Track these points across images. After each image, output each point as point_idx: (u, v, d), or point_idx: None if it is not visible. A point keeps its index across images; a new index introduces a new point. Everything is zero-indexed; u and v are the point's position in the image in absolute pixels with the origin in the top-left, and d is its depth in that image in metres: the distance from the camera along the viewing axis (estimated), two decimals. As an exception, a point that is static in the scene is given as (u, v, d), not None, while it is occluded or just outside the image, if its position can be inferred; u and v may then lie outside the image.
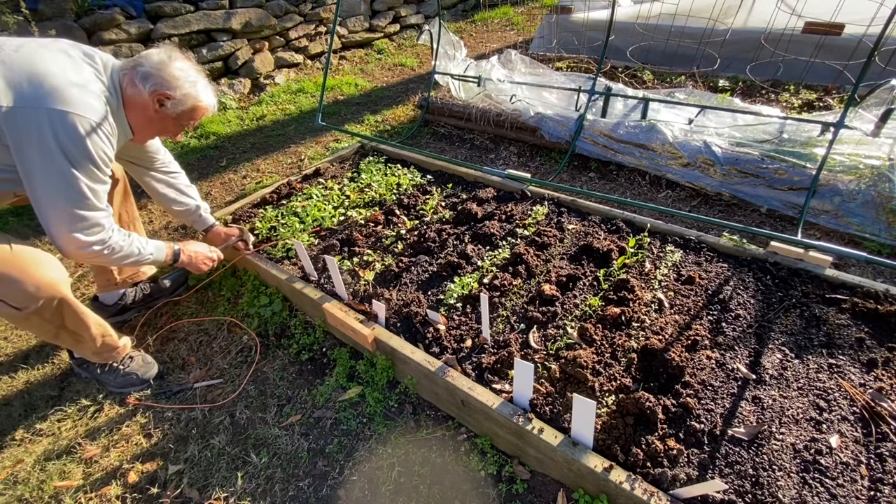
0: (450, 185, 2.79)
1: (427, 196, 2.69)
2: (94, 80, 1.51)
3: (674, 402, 1.48)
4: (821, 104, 3.22)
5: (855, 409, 1.45)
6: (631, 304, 1.82)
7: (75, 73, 1.46)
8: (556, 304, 1.88)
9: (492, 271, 2.07)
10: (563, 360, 1.61)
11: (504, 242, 2.26)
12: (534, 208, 2.48)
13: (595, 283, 2.00)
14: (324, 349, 2.05)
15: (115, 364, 1.90)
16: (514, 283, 1.99)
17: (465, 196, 2.68)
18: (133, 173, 2.05)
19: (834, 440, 1.36)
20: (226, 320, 2.24)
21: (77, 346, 1.80)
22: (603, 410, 1.49)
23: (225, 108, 4.55)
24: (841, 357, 1.61)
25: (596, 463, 1.31)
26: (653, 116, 3.11)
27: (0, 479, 1.65)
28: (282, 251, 2.33)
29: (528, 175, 2.64)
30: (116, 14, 3.90)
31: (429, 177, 2.89)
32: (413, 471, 1.59)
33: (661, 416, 1.43)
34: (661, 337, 1.67)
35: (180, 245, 1.93)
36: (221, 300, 2.35)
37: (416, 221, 2.50)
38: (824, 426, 1.41)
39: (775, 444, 1.37)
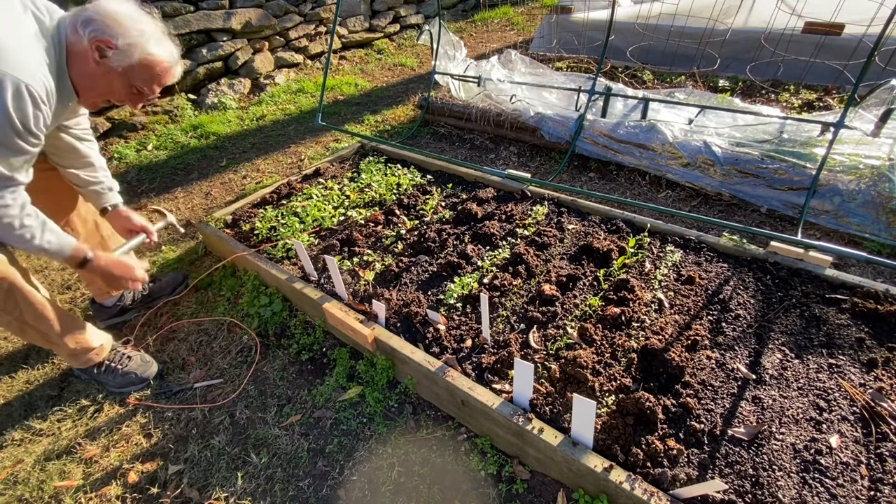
0: (450, 185, 2.79)
1: (427, 196, 2.69)
2: (34, 35, 1.32)
3: (674, 402, 1.48)
4: (821, 104, 3.22)
5: (855, 409, 1.45)
6: (631, 304, 1.82)
7: (14, 24, 1.29)
8: (556, 304, 1.88)
9: (492, 271, 2.07)
10: (563, 360, 1.61)
11: (504, 242, 2.26)
12: (534, 208, 2.48)
13: (595, 283, 2.00)
14: (324, 349, 2.05)
15: (112, 364, 1.90)
16: (514, 283, 1.99)
17: (465, 196, 2.68)
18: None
19: (834, 440, 1.36)
20: (226, 320, 2.24)
21: (49, 346, 1.75)
22: (603, 410, 1.49)
23: (225, 108, 4.55)
24: (841, 357, 1.61)
25: (596, 463, 1.31)
26: (653, 116, 3.11)
27: (0, 479, 1.65)
28: (282, 251, 2.33)
29: (528, 175, 2.64)
30: (116, 14, 3.90)
31: (429, 177, 2.89)
32: (413, 471, 1.59)
33: (661, 416, 1.43)
34: (661, 337, 1.67)
35: (94, 253, 1.64)
36: (221, 300, 2.35)
37: (416, 221, 2.50)
38: (824, 426, 1.41)
39: (775, 444, 1.37)
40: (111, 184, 1.96)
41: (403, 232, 2.41)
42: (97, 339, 1.87)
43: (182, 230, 2.32)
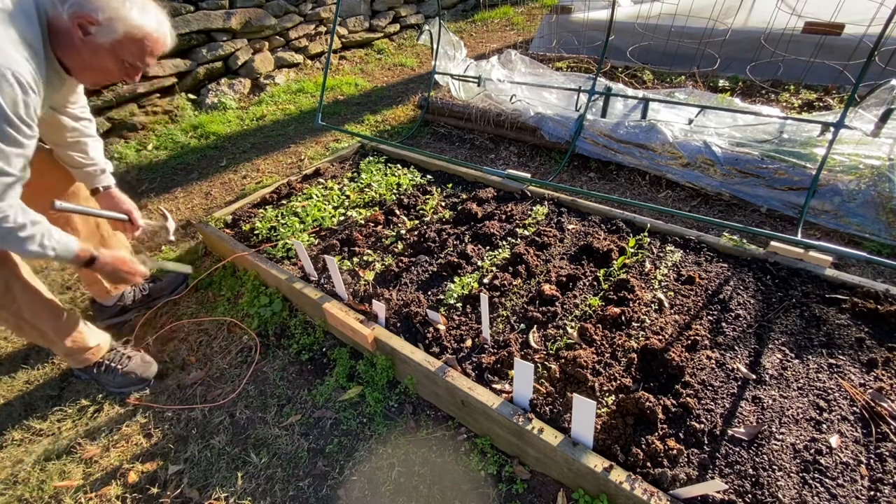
0: (450, 185, 2.79)
1: (427, 196, 2.69)
2: (8, 15, 1.22)
3: (674, 402, 1.48)
4: (821, 104, 3.22)
5: (855, 409, 1.45)
6: (631, 304, 1.82)
7: None
8: (556, 304, 1.88)
9: (492, 271, 2.07)
10: (563, 360, 1.61)
11: (504, 242, 2.26)
12: (534, 208, 2.48)
13: (595, 283, 2.00)
14: (324, 349, 2.05)
15: (112, 364, 1.90)
16: (514, 283, 1.99)
17: (465, 196, 2.68)
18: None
19: (834, 440, 1.36)
20: (226, 320, 2.24)
21: (46, 343, 1.75)
22: (603, 410, 1.49)
23: (225, 108, 4.55)
24: (841, 357, 1.61)
25: (596, 463, 1.31)
26: (653, 116, 3.11)
27: (0, 479, 1.65)
28: (282, 251, 2.33)
29: (528, 175, 2.64)
30: (116, 14, 3.89)
31: (429, 177, 2.89)
32: (413, 471, 1.59)
33: (661, 416, 1.43)
34: (661, 337, 1.67)
35: (99, 251, 1.63)
36: (221, 300, 2.35)
37: (416, 221, 2.50)
38: (824, 426, 1.41)
39: (775, 444, 1.37)
40: (105, 165, 1.89)
41: (403, 232, 2.41)
42: (94, 339, 1.87)
43: (172, 238, 2.26)
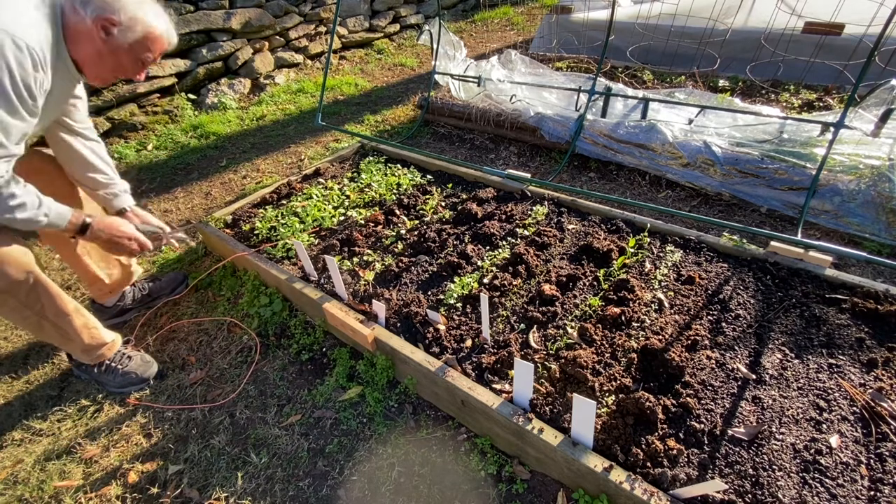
0: (450, 185, 2.79)
1: (427, 196, 2.69)
2: (34, 6, 1.34)
3: (674, 402, 1.48)
4: (821, 104, 3.22)
5: (855, 409, 1.45)
6: (631, 304, 1.82)
7: None
8: (556, 304, 1.88)
9: (492, 271, 2.07)
10: (563, 360, 1.61)
11: (504, 242, 2.26)
12: (534, 208, 2.48)
13: (595, 283, 2.00)
14: (324, 349, 2.05)
15: (112, 364, 1.90)
16: (514, 283, 1.99)
17: (465, 196, 2.68)
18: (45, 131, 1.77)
19: (834, 440, 1.36)
20: (226, 320, 2.24)
21: (64, 342, 1.77)
22: (603, 410, 1.49)
23: (225, 108, 4.55)
24: (841, 357, 1.61)
25: (596, 463, 1.31)
26: (653, 116, 3.11)
27: (0, 479, 1.65)
28: (282, 251, 2.33)
29: (528, 175, 2.64)
30: (116, 14, 3.90)
31: (429, 177, 2.89)
32: (413, 471, 1.59)
33: (661, 416, 1.43)
34: (661, 337, 1.67)
35: (92, 216, 1.66)
36: (221, 300, 2.35)
37: (416, 221, 2.50)
38: (824, 426, 1.41)
39: (775, 444, 1.37)
40: (124, 185, 1.99)
41: (403, 232, 2.41)
42: (109, 335, 1.90)
43: (193, 243, 2.27)
